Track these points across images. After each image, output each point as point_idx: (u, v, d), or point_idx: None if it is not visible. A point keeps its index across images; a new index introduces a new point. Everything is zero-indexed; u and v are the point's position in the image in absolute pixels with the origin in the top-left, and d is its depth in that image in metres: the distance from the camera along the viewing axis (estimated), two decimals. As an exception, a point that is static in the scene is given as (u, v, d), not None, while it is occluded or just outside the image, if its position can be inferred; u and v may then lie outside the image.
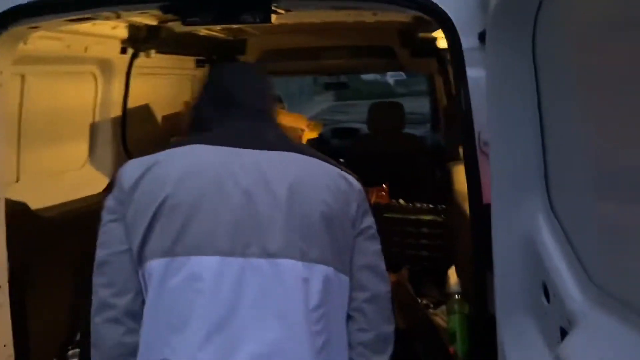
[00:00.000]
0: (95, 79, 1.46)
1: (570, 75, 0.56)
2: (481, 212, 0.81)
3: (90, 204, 1.23)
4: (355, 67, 3.06)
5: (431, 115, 2.73)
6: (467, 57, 0.82)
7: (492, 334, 0.75)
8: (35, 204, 1.16)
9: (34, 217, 1.15)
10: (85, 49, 1.31)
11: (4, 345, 0.93)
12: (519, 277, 0.68)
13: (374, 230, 0.75)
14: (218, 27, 1.62)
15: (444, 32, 0.87)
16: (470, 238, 0.91)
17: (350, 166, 1.67)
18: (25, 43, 1.04)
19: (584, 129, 0.54)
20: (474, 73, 0.80)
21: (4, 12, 0.90)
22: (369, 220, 0.75)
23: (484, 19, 0.75)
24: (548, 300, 0.60)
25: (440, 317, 1.22)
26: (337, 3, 1.15)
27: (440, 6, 0.84)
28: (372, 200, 1.62)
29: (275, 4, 0.96)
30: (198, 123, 0.80)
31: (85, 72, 1.44)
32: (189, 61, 1.88)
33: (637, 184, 0.38)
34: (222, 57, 1.94)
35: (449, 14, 0.84)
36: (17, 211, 1.04)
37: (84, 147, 1.48)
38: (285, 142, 0.76)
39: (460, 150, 1.12)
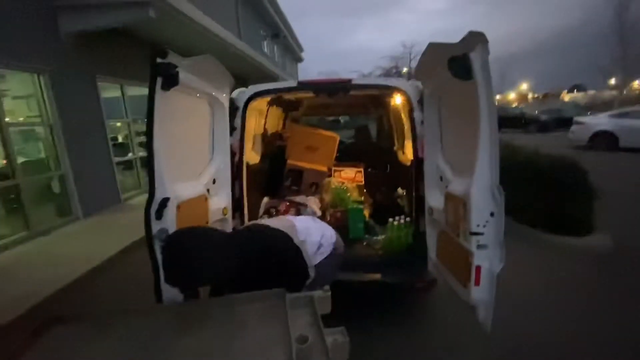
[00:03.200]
0: (256, 117, 3.21)
1: (444, 117, 2.01)
2: (419, 160, 2.23)
3: None
4: (344, 113, 6.12)
5: (377, 133, 4.96)
6: (414, 108, 2.22)
7: (422, 200, 2.22)
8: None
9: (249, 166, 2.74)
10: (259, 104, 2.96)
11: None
12: (433, 176, 2.14)
13: None
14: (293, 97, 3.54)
15: (405, 99, 2.28)
16: (409, 174, 2.39)
17: (346, 157, 3.67)
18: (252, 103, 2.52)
19: (446, 131, 2.01)
20: (416, 114, 2.21)
21: (252, 94, 2.46)
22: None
23: (418, 96, 2.17)
24: (441, 180, 2.07)
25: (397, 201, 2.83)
26: (365, 91, 2.76)
27: (406, 91, 2.25)
28: (362, 169, 3.72)
29: (349, 91, 2.43)
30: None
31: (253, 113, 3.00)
32: (280, 110, 4.08)
33: (456, 148, 1.85)
34: (292, 109, 4.39)
35: (409, 94, 2.25)
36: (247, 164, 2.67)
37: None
38: None
39: (396, 144, 3.26)
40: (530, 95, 45.04)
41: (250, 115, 2.60)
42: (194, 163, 2.00)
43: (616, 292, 2.74)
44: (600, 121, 11.04)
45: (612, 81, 25.53)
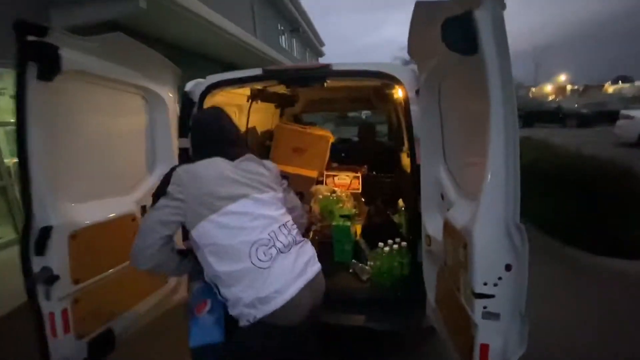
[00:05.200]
0: (235, 113, 2.86)
1: (446, 111, 1.45)
2: (416, 168, 1.69)
3: None
4: (349, 108, 5.39)
5: (388, 131, 4.53)
6: (410, 101, 1.67)
7: (419, 221, 1.67)
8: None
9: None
10: (232, 99, 2.64)
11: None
12: (431, 192, 1.59)
13: (286, 185, 1.47)
14: (287, 89, 3.00)
15: (401, 89, 1.74)
16: (409, 184, 1.84)
17: (348, 158, 2.92)
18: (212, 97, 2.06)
19: (450, 132, 1.44)
20: (413, 108, 1.66)
21: (208, 85, 1.97)
22: (284, 181, 1.46)
23: (417, 84, 1.60)
24: (443, 199, 1.52)
25: (395, 217, 2.36)
26: (352, 81, 2.26)
27: (399, 78, 1.72)
28: (360, 173, 3.03)
29: (325, 81, 1.91)
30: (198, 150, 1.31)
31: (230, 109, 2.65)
32: (272, 106, 3.60)
33: (463, 156, 1.29)
34: (287, 104, 3.81)
35: (403, 82, 1.71)
36: None
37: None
38: (248, 154, 1.36)
39: (404, 146, 2.48)
40: (569, 88, 41.67)
41: None
42: (118, 174, 1.58)
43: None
44: (654, 115, 9.69)
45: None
